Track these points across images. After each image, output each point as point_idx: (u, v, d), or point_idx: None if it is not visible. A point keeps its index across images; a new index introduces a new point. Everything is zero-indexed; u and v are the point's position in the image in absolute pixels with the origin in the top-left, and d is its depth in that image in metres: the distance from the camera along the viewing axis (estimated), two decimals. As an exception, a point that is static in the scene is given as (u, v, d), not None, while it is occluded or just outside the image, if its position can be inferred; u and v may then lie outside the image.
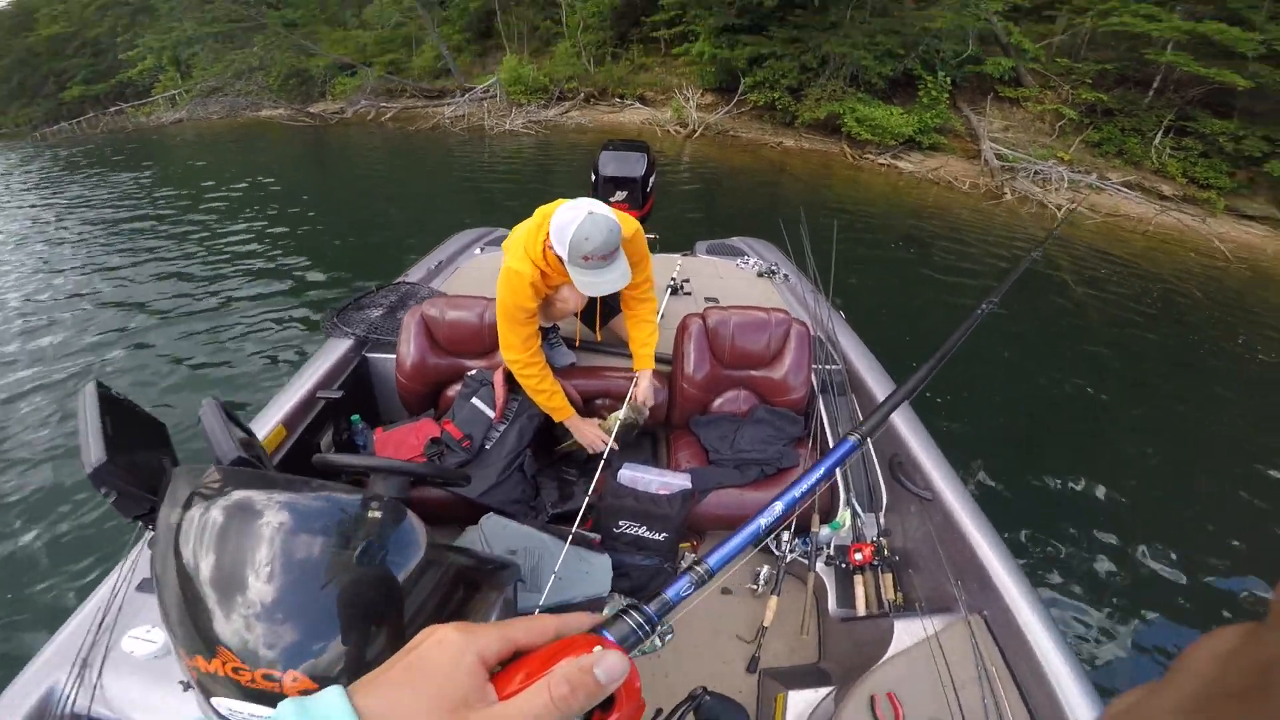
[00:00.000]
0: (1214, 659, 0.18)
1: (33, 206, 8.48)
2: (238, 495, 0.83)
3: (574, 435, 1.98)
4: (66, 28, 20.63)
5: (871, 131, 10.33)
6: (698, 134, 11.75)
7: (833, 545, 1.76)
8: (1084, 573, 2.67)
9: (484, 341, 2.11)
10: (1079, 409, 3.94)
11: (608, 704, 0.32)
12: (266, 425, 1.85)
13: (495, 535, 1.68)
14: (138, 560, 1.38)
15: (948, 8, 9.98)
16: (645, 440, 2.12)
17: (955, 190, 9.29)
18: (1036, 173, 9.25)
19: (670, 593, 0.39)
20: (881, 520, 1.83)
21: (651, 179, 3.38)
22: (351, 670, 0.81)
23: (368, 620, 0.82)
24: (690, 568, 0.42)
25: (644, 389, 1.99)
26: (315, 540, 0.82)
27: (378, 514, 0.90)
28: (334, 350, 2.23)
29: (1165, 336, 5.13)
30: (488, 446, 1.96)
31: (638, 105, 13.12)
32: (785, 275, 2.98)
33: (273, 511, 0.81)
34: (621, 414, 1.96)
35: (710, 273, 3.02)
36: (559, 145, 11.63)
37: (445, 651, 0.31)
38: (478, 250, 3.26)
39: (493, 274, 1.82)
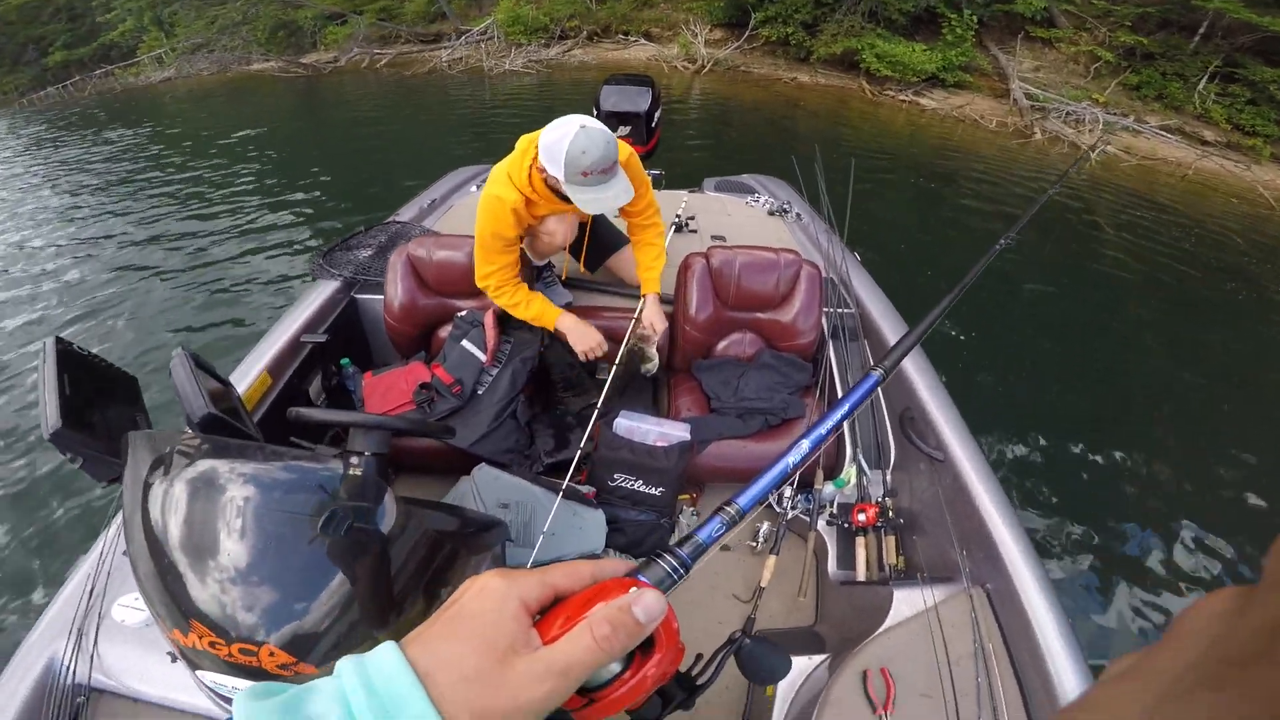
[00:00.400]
0: (1213, 620, 0.17)
1: (29, 167, 8.30)
2: (202, 466, 0.82)
3: (570, 339, 1.84)
4: (35, -4, 19.56)
5: (892, 68, 9.71)
6: (707, 70, 11.10)
7: (836, 503, 1.68)
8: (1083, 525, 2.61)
9: (474, 281, 2.00)
10: (1102, 345, 3.83)
11: (648, 647, 0.32)
12: (250, 373, 1.76)
13: (487, 487, 1.61)
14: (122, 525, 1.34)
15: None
16: (646, 384, 2.01)
17: (981, 128, 8.81)
18: (1069, 113, 8.70)
19: (703, 534, 0.39)
20: (888, 479, 1.74)
21: (657, 114, 3.17)
22: (328, 643, 0.79)
23: (339, 585, 0.80)
24: (721, 508, 0.41)
25: (650, 312, 1.87)
26: (281, 509, 0.80)
27: (359, 471, 0.88)
28: (321, 292, 2.14)
29: (1200, 278, 4.92)
30: (480, 392, 1.87)
31: (643, 42, 12.41)
32: (798, 214, 2.80)
33: (237, 485, 0.80)
34: (626, 344, 1.84)
35: (718, 210, 2.83)
36: (562, 83, 11.10)
37: (488, 600, 0.30)
38: (473, 188, 3.08)
39: None
